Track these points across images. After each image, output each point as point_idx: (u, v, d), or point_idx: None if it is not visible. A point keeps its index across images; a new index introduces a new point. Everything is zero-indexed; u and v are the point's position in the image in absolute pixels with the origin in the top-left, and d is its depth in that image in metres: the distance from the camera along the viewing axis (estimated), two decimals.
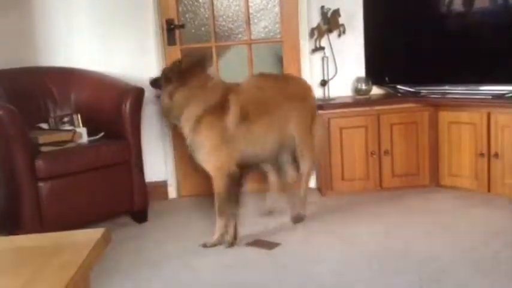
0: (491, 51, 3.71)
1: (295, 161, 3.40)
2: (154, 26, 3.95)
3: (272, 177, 3.53)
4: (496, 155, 3.57)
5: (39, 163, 3.08)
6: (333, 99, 3.96)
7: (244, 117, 3.07)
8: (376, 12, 3.98)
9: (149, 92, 3.65)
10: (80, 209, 3.24)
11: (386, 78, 4.05)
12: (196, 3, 4.08)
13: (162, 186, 4.08)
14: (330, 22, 3.93)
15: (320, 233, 3.23)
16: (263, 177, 3.66)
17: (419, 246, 2.96)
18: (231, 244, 3.07)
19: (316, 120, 3.46)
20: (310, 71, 4.03)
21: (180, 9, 4.05)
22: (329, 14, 3.93)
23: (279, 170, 3.46)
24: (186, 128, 3.09)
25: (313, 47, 3.98)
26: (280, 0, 4.05)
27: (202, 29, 4.12)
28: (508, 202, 3.49)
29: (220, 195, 3.06)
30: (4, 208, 3.25)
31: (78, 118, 3.50)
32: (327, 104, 3.89)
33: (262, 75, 3.42)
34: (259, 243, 3.13)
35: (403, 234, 3.14)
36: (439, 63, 3.88)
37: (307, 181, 3.50)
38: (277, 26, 4.12)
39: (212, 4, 4.04)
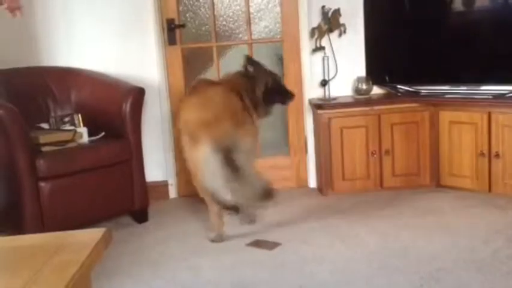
0: (491, 51, 3.71)
1: None
2: (155, 25, 3.95)
3: None
4: (497, 155, 3.57)
5: (40, 163, 3.08)
6: (334, 99, 3.96)
7: None
8: (376, 12, 3.98)
9: (149, 92, 3.67)
10: (80, 209, 3.24)
11: (387, 78, 4.05)
12: (196, 2, 4.08)
13: (162, 186, 4.08)
14: (331, 22, 3.93)
15: (320, 233, 3.23)
16: None
17: (420, 245, 2.96)
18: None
19: None
20: (311, 70, 4.03)
21: (181, 8, 4.05)
22: (330, 14, 3.93)
23: None
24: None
25: (313, 47, 3.98)
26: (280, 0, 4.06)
27: (203, 28, 4.13)
28: (509, 202, 3.49)
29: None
30: (5, 208, 3.26)
31: (78, 118, 3.50)
32: (327, 103, 3.89)
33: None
34: (259, 243, 3.13)
35: (404, 233, 3.14)
36: (439, 63, 3.88)
37: None
38: (277, 25, 4.12)
39: (213, 4, 4.04)
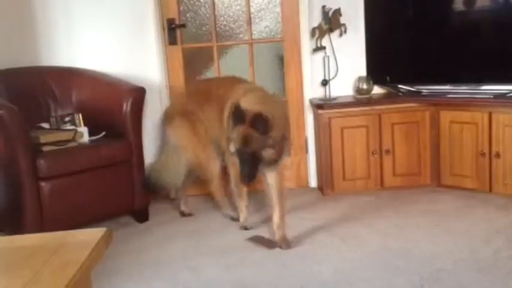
0: (492, 50, 3.71)
1: None
2: (156, 25, 3.95)
3: None
4: (498, 155, 3.56)
5: (41, 162, 3.08)
6: (334, 98, 3.96)
7: None
8: (377, 12, 3.98)
9: (149, 92, 3.67)
10: (81, 209, 3.24)
11: (388, 78, 4.04)
12: (197, 2, 4.08)
13: None
14: (331, 21, 3.93)
15: (321, 233, 3.22)
16: None
17: (421, 245, 2.96)
18: None
19: None
20: (311, 70, 4.03)
21: (181, 8, 4.05)
22: (330, 14, 3.93)
23: None
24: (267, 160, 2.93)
25: (314, 47, 3.98)
26: None
27: (203, 28, 4.12)
28: (509, 202, 3.48)
29: (283, 188, 3.16)
30: (5, 207, 3.25)
31: (79, 117, 3.50)
32: (328, 103, 3.89)
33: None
34: (260, 242, 3.13)
35: (404, 233, 3.14)
36: (440, 62, 3.88)
37: None
38: (278, 25, 4.12)
39: (213, 4, 4.03)
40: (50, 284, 1.22)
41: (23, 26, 3.87)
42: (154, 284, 2.72)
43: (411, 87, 3.98)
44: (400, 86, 4.01)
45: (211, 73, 4.14)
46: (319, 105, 3.88)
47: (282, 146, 2.95)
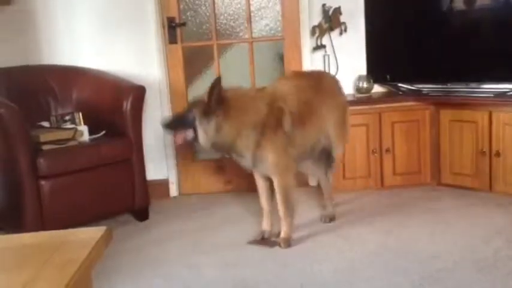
0: (493, 49, 3.70)
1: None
2: (156, 24, 3.95)
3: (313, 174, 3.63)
4: (498, 154, 3.56)
5: (41, 161, 3.08)
6: None
7: (297, 120, 3.03)
8: (377, 10, 3.98)
9: (150, 90, 3.67)
10: (81, 207, 3.24)
11: (388, 77, 4.04)
12: (197, 1, 4.08)
13: (163, 184, 4.08)
14: (331, 20, 3.93)
15: (321, 232, 3.22)
16: None
17: (421, 244, 2.96)
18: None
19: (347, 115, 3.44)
20: (312, 69, 4.03)
21: (181, 7, 4.05)
22: (330, 12, 3.93)
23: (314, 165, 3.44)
24: (246, 153, 2.92)
25: (314, 45, 3.98)
26: None
27: (204, 27, 4.12)
28: (510, 201, 3.48)
29: (290, 194, 3.04)
30: (6, 206, 3.26)
31: (79, 116, 3.50)
32: None
33: (295, 74, 3.53)
34: (261, 241, 3.13)
35: (405, 232, 3.13)
36: (440, 61, 3.88)
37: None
38: (278, 24, 4.12)
39: (213, 2, 4.03)
40: (50, 282, 1.22)
41: (24, 25, 3.87)
42: (154, 282, 2.72)
43: (411, 86, 3.98)
44: (400, 84, 4.01)
45: (211, 72, 4.13)
46: None
47: (263, 137, 2.88)
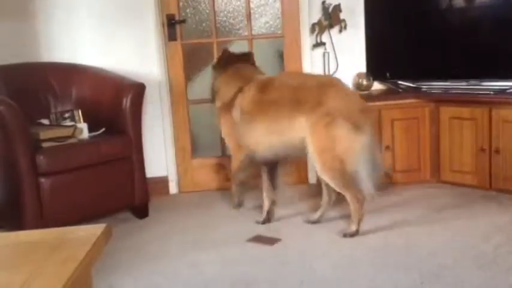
0: (492, 46, 3.70)
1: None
2: (155, 21, 3.95)
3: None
4: (497, 151, 3.56)
5: (40, 159, 3.08)
6: None
7: (246, 112, 3.16)
8: (377, 8, 3.97)
9: (149, 88, 3.67)
10: (80, 205, 3.24)
11: (388, 74, 4.04)
12: None
13: (162, 181, 4.08)
14: (331, 17, 3.93)
15: (321, 229, 3.22)
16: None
17: (421, 242, 2.96)
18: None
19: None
20: (311, 66, 4.03)
21: (181, 4, 4.04)
22: (330, 9, 3.92)
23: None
24: (216, 111, 3.44)
25: (314, 43, 3.98)
26: None
27: (203, 24, 4.12)
28: (509, 198, 3.48)
29: (232, 173, 3.50)
30: (5, 204, 3.25)
31: (79, 114, 3.50)
32: None
33: (289, 74, 3.66)
34: (260, 239, 3.13)
35: (404, 230, 3.13)
36: (440, 58, 3.87)
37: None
38: (278, 21, 4.11)
39: None
40: (50, 280, 1.22)
41: (24, 22, 3.87)
42: (154, 280, 2.72)
43: (411, 83, 3.98)
44: (400, 82, 4.01)
45: (211, 69, 4.12)
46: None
47: (221, 111, 3.38)
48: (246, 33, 4.11)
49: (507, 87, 3.60)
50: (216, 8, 4.06)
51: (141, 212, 3.60)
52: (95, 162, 3.30)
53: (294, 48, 4.06)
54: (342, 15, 3.93)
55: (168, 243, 3.17)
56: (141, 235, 3.32)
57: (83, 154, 3.29)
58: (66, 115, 3.54)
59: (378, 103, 3.85)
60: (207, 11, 4.08)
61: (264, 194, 3.39)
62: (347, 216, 3.39)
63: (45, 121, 3.55)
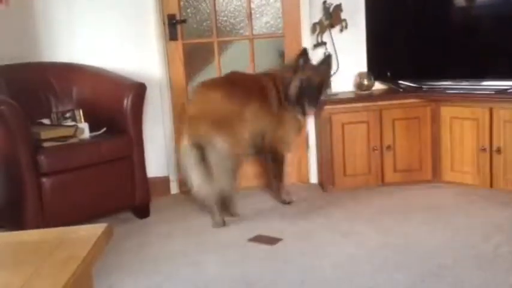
0: (493, 46, 3.70)
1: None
2: (156, 21, 3.95)
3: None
4: (498, 150, 3.56)
5: (41, 158, 3.08)
6: (335, 94, 3.95)
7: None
8: (378, 7, 3.97)
9: (150, 87, 3.66)
10: (81, 204, 3.24)
11: (389, 74, 4.04)
12: None
13: (164, 181, 4.08)
14: (332, 17, 3.92)
15: (322, 228, 3.23)
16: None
17: (421, 241, 2.96)
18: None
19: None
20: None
21: (182, 4, 4.04)
22: (331, 9, 3.92)
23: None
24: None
25: (315, 42, 3.97)
26: None
27: (204, 24, 4.12)
28: (510, 197, 3.48)
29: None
30: (6, 203, 3.26)
31: (80, 113, 3.50)
32: (328, 99, 3.87)
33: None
34: (261, 238, 3.13)
35: (405, 229, 3.14)
36: (441, 58, 3.87)
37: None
38: (279, 21, 4.11)
39: None
40: (51, 279, 1.22)
41: (24, 22, 3.87)
42: (155, 280, 2.72)
43: (412, 82, 3.98)
44: (401, 81, 4.01)
45: (212, 69, 4.13)
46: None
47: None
48: (246, 33, 4.11)
49: (508, 87, 3.60)
50: (216, 8, 4.06)
51: (142, 212, 3.60)
52: (95, 162, 3.30)
53: (295, 48, 4.05)
54: (342, 15, 3.93)
55: (169, 243, 3.17)
56: (141, 235, 3.32)
57: (84, 154, 3.29)
58: (67, 115, 3.54)
59: (379, 103, 3.85)
60: (208, 11, 4.08)
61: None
62: (348, 216, 3.40)
63: (46, 121, 3.55)
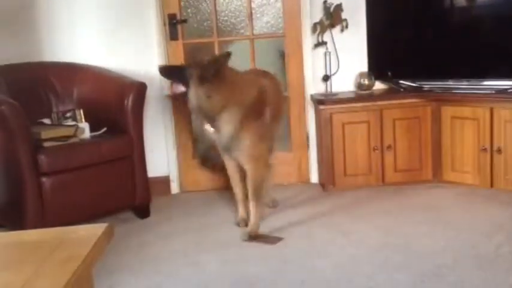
0: (494, 45, 3.70)
1: None
2: (157, 20, 3.95)
3: None
4: (499, 150, 3.56)
5: (42, 158, 3.08)
6: (336, 94, 3.95)
7: (273, 114, 3.23)
8: (378, 7, 3.97)
9: (151, 87, 3.67)
10: (82, 204, 3.24)
11: (389, 73, 4.04)
12: None
13: (164, 181, 4.08)
14: (333, 17, 3.92)
15: (322, 228, 3.23)
16: None
17: (422, 241, 2.96)
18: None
19: None
20: (313, 66, 4.03)
21: (182, 4, 4.04)
22: (332, 9, 3.92)
23: None
24: (225, 129, 3.03)
25: (315, 42, 3.97)
26: None
27: (205, 23, 4.11)
28: (511, 197, 3.48)
29: (261, 186, 3.17)
30: (7, 203, 3.26)
31: (80, 113, 3.50)
32: (329, 99, 3.88)
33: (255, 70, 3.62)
34: (262, 238, 3.13)
35: (405, 229, 3.13)
36: (442, 58, 3.87)
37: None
38: (279, 21, 4.11)
39: None
40: (51, 279, 1.22)
41: (25, 22, 3.87)
42: (155, 280, 2.72)
43: (413, 82, 3.98)
44: (401, 81, 4.01)
45: None
46: (320, 101, 3.88)
47: (246, 119, 3.05)
48: (247, 33, 4.11)
49: (509, 87, 3.60)
50: (217, 8, 4.06)
51: (143, 211, 3.60)
52: (96, 162, 3.30)
53: (295, 48, 4.06)
54: (343, 15, 3.92)
55: (169, 243, 3.17)
56: (142, 235, 3.32)
57: (84, 154, 3.29)
58: (68, 115, 3.54)
59: (379, 102, 3.85)
60: (209, 11, 4.07)
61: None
62: (348, 216, 3.40)
63: (47, 121, 3.55)
